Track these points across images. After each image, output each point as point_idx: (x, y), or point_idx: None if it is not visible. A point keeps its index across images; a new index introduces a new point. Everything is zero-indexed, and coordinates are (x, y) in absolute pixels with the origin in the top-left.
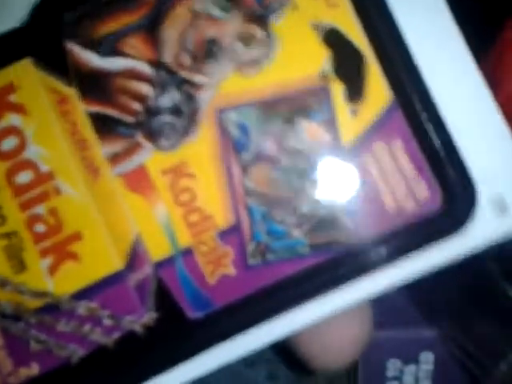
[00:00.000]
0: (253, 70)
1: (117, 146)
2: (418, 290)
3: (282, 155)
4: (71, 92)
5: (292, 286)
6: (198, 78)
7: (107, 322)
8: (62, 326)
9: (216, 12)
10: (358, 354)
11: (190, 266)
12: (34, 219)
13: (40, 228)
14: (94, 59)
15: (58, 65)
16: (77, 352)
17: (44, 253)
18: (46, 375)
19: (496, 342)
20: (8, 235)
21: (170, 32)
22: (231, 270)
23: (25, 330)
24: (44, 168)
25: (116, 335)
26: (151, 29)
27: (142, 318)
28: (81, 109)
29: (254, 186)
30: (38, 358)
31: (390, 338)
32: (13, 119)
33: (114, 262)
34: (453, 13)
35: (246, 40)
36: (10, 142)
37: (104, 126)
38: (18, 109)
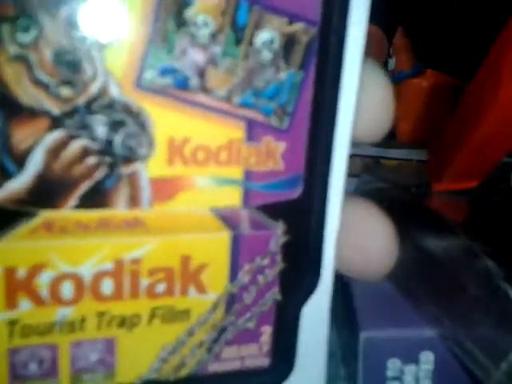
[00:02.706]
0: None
1: (120, 197)
2: (418, 291)
3: (211, 53)
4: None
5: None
6: (93, 88)
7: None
8: (248, 298)
9: None
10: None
11: (259, 178)
12: (151, 292)
13: (160, 288)
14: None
15: None
16: (274, 292)
17: (184, 291)
18: (276, 323)
19: (496, 343)
20: (153, 316)
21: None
22: (281, 146)
23: (233, 330)
24: (109, 266)
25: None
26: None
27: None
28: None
29: (218, 89)
30: (261, 324)
31: (390, 337)
32: (45, 276)
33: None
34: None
35: None
36: (67, 287)
37: (92, 195)
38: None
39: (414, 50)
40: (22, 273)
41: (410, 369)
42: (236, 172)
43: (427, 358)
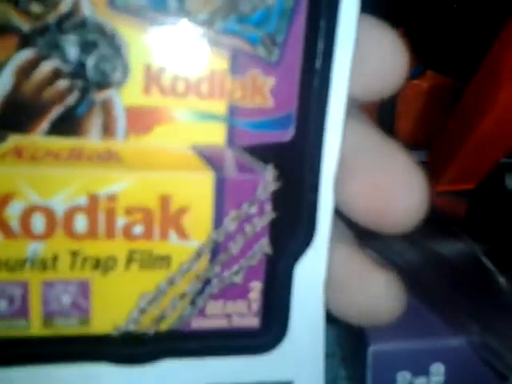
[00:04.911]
0: None
1: (93, 126)
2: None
3: None
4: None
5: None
6: (64, 5)
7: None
8: (234, 249)
9: None
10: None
11: (245, 115)
12: (128, 232)
13: (137, 230)
14: None
15: None
16: (263, 244)
17: (164, 235)
18: (267, 280)
19: None
20: (129, 261)
21: None
22: (270, 81)
23: (218, 283)
24: (83, 200)
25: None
26: None
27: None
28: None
29: (199, 12)
30: (250, 279)
31: (400, 349)
32: (15, 207)
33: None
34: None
35: None
36: (38, 220)
37: (64, 121)
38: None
39: (414, 51)
40: None
41: (421, 381)
42: (219, 106)
43: (438, 370)
